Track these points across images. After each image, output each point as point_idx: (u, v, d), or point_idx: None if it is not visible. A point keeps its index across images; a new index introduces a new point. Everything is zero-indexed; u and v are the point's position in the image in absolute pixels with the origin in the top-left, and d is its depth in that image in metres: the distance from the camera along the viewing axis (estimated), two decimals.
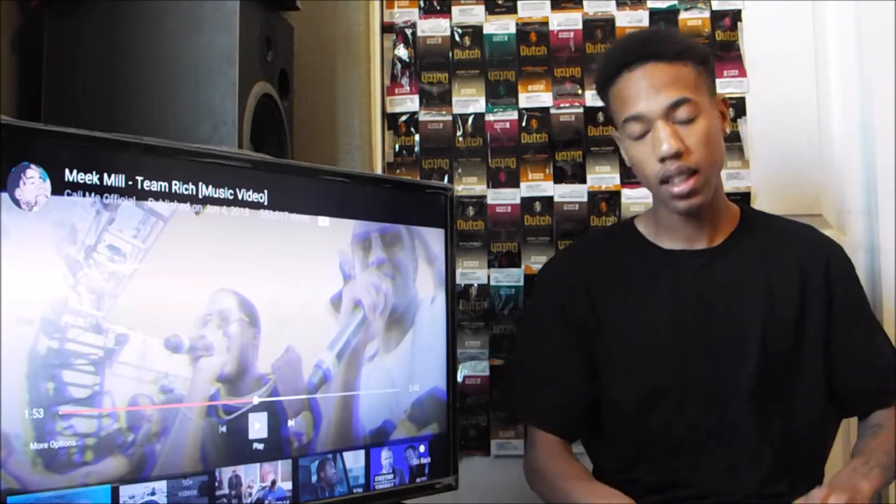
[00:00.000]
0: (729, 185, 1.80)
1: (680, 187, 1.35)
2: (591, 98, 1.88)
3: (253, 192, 1.17)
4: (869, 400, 1.43)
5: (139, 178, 1.05)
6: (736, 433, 1.37)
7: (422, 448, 1.38)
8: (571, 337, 1.44)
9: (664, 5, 1.90)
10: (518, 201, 1.87)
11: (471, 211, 1.88)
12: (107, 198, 1.02)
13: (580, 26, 1.90)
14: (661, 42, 1.38)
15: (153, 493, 1.04)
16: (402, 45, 1.92)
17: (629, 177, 1.87)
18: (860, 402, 1.44)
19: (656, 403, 1.39)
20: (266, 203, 1.18)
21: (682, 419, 1.38)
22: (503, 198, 1.88)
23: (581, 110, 1.88)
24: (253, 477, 1.15)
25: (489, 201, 1.88)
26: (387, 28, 1.92)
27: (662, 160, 1.34)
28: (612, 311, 1.43)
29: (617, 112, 1.40)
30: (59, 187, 0.98)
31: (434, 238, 1.42)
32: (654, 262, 1.45)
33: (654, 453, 1.40)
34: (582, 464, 1.44)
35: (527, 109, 1.89)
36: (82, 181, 1.00)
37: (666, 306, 1.41)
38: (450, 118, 1.90)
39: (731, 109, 1.77)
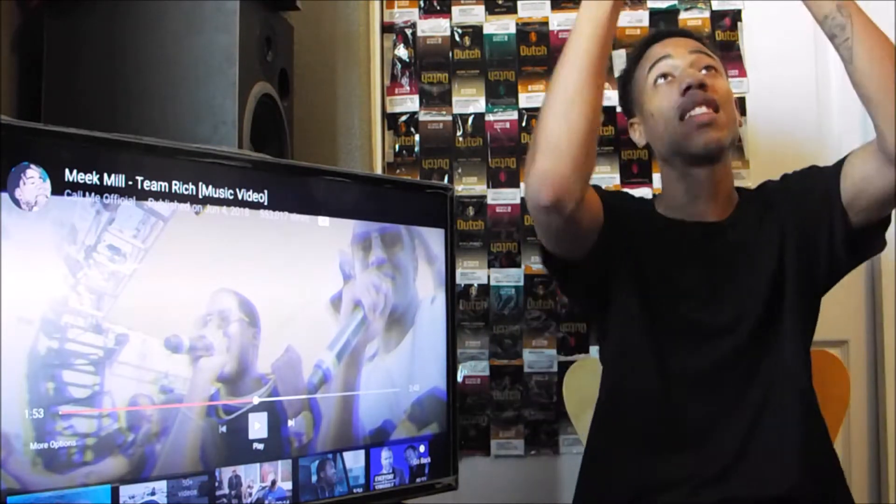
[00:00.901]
0: None
1: (701, 114, 1.37)
2: None
3: (253, 192, 1.17)
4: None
5: (139, 178, 1.05)
6: (723, 380, 1.37)
7: (422, 448, 1.38)
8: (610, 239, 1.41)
9: (664, 5, 1.90)
10: (518, 201, 1.87)
11: (471, 211, 1.88)
12: (107, 198, 1.02)
13: None
14: (687, 30, 1.53)
15: (153, 493, 1.04)
16: (402, 45, 1.92)
17: (629, 177, 1.87)
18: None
19: (647, 349, 1.39)
20: (266, 203, 1.18)
21: (673, 362, 1.38)
22: (503, 198, 1.88)
23: None
24: (253, 477, 1.15)
25: (489, 201, 1.88)
26: (387, 28, 1.93)
27: (687, 89, 1.37)
28: (640, 258, 1.43)
29: (643, 68, 1.45)
30: (59, 187, 0.98)
31: (434, 238, 1.42)
32: (664, 230, 1.45)
33: (645, 392, 1.39)
34: None
35: (527, 109, 1.89)
36: (82, 181, 1.00)
37: (674, 266, 1.41)
38: (450, 118, 1.90)
39: None
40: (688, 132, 1.38)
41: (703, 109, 1.37)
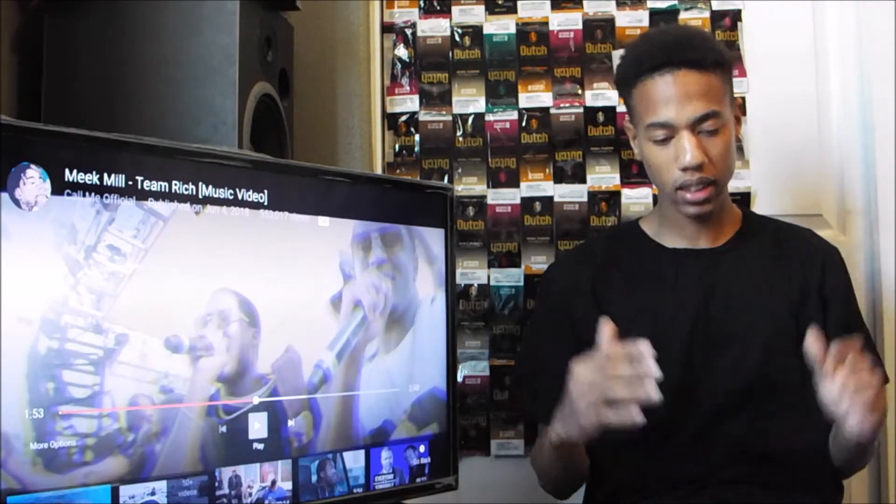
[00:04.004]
0: (729, 185, 1.80)
1: (696, 195, 1.36)
2: (591, 98, 1.88)
3: (253, 192, 1.17)
4: None
5: (139, 178, 1.05)
6: (729, 431, 1.37)
7: (422, 448, 1.38)
8: (581, 337, 1.44)
9: (664, 5, 1.90)
10: (518, 201, 1.87)
11: (471, 211, 1.88)
12: (107, 198, 1.02)
13: (580, 26, 1.90)
14: (698, 50, 1.34)
15: (153, 493, 1.04)
16: (402, 45, 1.92)
17: (629, 177, 1.87)
18: None
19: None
20: (266, 203, 1.18)
21: (681, 418, 1.38)
22: (503, 198, 1.87)
23: (581, 110, 1.88)
24: (253, 477, 1.15)
25: (489, 201, 1.88)
26: (387, 28, 1.92)
27: (684, 169, 1.35)
28: (618, 309, 1.43)
29: (640, 112, 1.38)
30: (59, 187, 0.98)
31: (434, 238, 1.42)
32: (657, 261, 1.46)
33: (649, 448, 1.39)
34: None
35: (527, 109, 1.89)
36: (82, 181, 1.00)
37: (669, 304, 1.42)
38: (450, 118, 1.90)
39: None
40: (681, 202, 1.39)
41: (698, 189, 1.35)
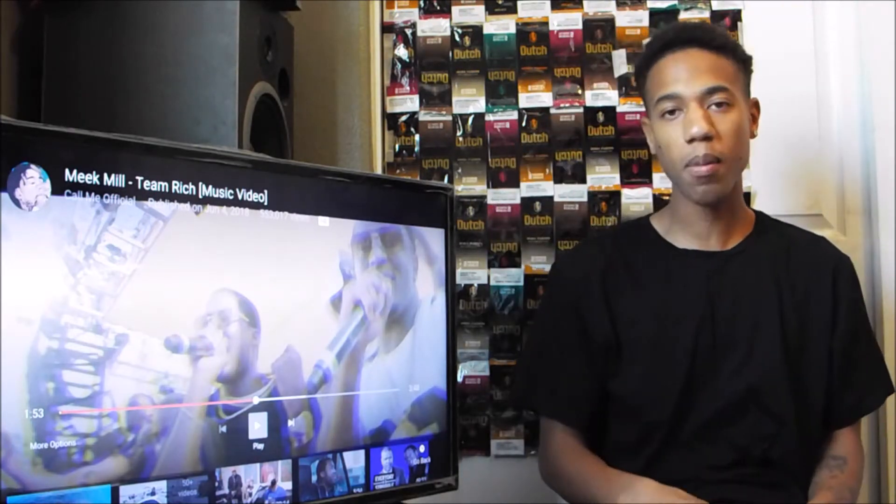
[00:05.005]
0: None
1: (701, 169, 1.35)
2: (591, 98, 1.88)
3: (253, 192, 1.17)
4: (839, 415, 1.44)
5: (139, 178, 1.05)
6: (731, 433, 1.38)
7: (422, 448, 1.38)
8: (586, 331, 1.45)
9: (664, 5, 1.90)
10: (518, 201, 1.87)
11: (471, 211, 1.88)
12: (107, 198, 1.02)
13: (580, 26, 1.90)
14: (707, 31, 1.42)
15: (153, 493, 1.04)
16: (402, 45, 1.92)
17: (629, 177, 1.87)
18: (831, 416, 1.44)
19: (660, 401, 1.39)
20: (266, 203, 1.18)
21: (683, 420, 1.38)
22: (503, 198, 1.88)
23: (581, 110, 1.88)
24: (253, 477, 1.15)
25: (489, 201, 1.88)
26: (387, 28, 1.92)
27: (691, 141, 1.35)
28: (624, 307, 1.44)
29: (652, 91, 1.42)
30: (59, 187, 0.98)
31: (434, 238, 1.42)
32: (666, 260, 1.46)
33: (650, 448, 1.40)
34: (596, 456, 1.45)
35: (527, 109, 1.89)
36: (82, 181, 1.00)
37: (676, 305, 1.42)
38: (450, 118, 1.90)
39: None
40: (689, 182, 1.38)
41: (705, 166, 1.35)
